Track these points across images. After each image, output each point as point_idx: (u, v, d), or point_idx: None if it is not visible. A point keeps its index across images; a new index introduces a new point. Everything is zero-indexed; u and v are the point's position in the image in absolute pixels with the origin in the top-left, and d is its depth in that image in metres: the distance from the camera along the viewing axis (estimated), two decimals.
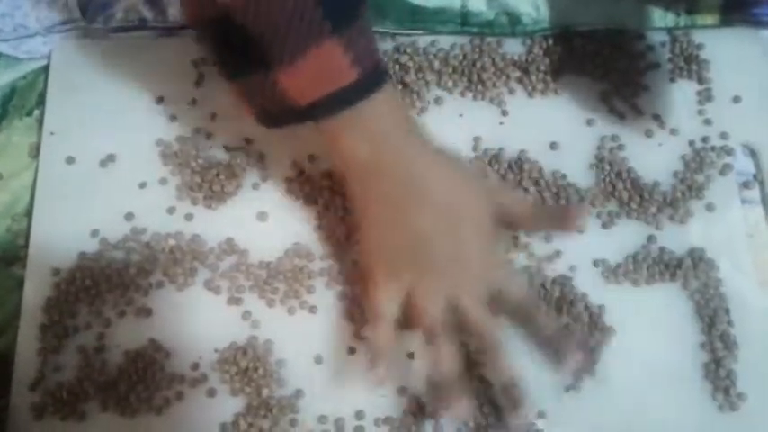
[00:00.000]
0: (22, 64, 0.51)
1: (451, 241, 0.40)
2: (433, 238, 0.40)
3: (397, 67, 0.49)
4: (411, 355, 0.43)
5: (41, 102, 0.50)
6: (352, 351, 0.44)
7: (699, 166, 0.47)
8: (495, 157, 0.48)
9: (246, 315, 0.44)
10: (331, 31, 0.36)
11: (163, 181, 0.48)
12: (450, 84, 0.49)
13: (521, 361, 0.41)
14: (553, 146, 0.48)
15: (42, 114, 0.49)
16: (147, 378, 0.43)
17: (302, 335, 0.44)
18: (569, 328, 0.44)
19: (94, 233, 0.46)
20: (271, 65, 0.36)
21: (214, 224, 0.47)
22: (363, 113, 0.39)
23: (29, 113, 0.50)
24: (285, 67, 0.36)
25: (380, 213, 0.41)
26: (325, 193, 0.47)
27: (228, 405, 0.43)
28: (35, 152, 0.49)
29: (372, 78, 0.38)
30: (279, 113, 0.40)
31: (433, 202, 0.40)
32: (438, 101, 0.49)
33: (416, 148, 0.41)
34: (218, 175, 0.47)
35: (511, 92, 0.49)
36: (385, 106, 0.39)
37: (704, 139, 0.48)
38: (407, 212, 0.40)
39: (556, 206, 0.46)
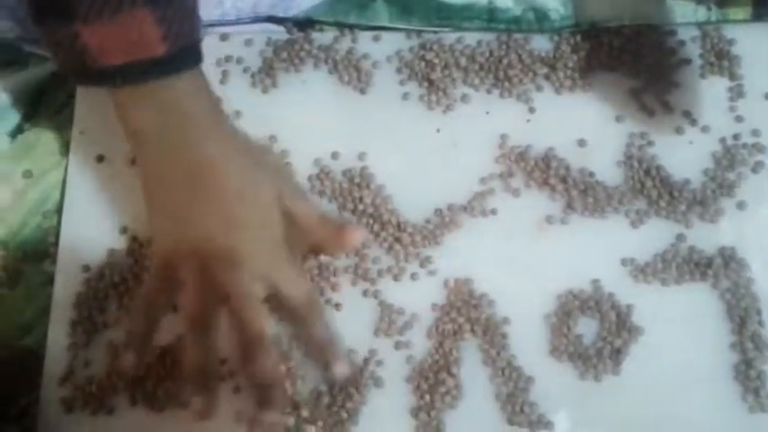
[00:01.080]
0: (51, 63, 0.51)
1: (231, 236, 0.39)
2: (214, 234, 0.39)
3: (423, 64, 0.49)
4: None
5: (71, 100, 0.50)
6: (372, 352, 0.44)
7: (730, 163, 0.47)
8: (521, 155, 0.47)
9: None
10: (146, 2, 0.36)
11: None
12: (476, 81, 0.49)
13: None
14: (581, 143, 0.47)
15: (72, 113, 0.50)
16: (175, 373, 0.43)
17: None
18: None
19: (124, 230, 0.47)
20: (76, 17, 0.36)
21: None
22: (162, 90, 0.38)
23: (58, 112, 0.50)
24: (92, 23, 0.36)
25: (166, 200, 0.40)
26: (345, 190, 0.47)
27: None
28: (65, 150, 0.49)
29: (180, 58, 0.38)
30: (78, 70, 0.39)
31: (220, 196, 0.39)
32: (464, 98, 0.49)
33: (212, 139, 0.40)
34: None
35: (538, 89, 0.49)
36: (188, 89, 0.39)
37: (735, 137, 0.47)
38: (191, 204, 0.39)
39: (334, 224, 0.43)
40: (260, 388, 0.39)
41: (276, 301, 0.40)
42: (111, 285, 0.46)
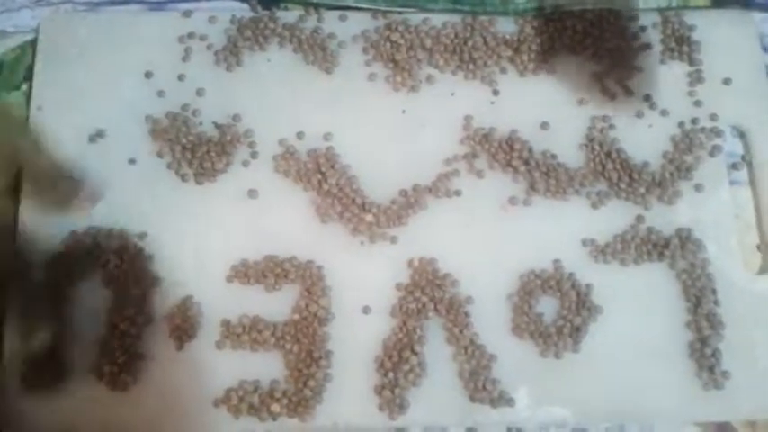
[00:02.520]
0: (9, 38, 0.50)
1: None
2: None
3: (389, 44, 0.49)
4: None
5: (29, 76, 0.49)
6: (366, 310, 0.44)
7: (688, 147, 0.48)
8: (485, 137, 0.48)
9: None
10: None
11: (152, 157, 0.47)
12: (441, 62, 0.49)
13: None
14: (544, 125, 0.48)
15: (30, 88, 0.49)
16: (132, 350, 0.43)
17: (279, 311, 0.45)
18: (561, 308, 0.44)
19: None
20: None
21: (204, 201, 0.47)
22: None
23: (17, 88, 0.49)
24: None
25: None
26: (311, 171, 0.47)
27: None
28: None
29: None
30: None
31: None
32: (429, 79, 0.49)
33: None
34: (208, 152, 0.47)
35: (502, 71, 0.49)
36: None
37: (694, 121, 0.48)
38: None
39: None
40: None
41: None
42: (72, 264, 0.45)
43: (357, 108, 0.49)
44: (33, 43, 0.50)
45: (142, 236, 0.46)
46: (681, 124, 0.48)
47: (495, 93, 0.49)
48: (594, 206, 0.46)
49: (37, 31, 0.50)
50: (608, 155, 0.47)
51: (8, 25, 0.50)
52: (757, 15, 0.51)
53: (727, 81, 0.49)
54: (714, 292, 0.45)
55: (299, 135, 0.48)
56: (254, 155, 0.48)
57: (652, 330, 0.44)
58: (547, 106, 0.48)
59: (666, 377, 0.43)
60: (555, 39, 0.49)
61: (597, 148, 0.47)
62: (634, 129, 0.48)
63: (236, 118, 0.48)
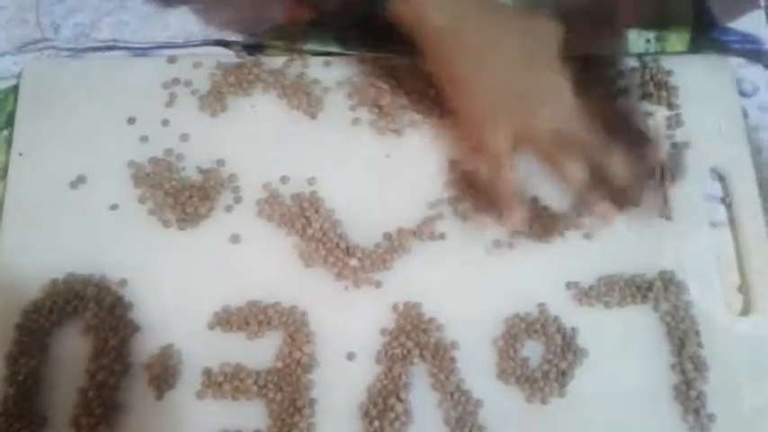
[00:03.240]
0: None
1: (539, 81, 0.44)
2: (522, 83, 0.44)
3: (373, 90, 0.50)
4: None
5: (10, 122, 0.49)
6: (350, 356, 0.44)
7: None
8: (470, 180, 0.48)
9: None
10: None
11: (134, 203, 0.47)
12: (425, 108, 0.50)
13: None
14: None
15: (11, 134, 0.49)
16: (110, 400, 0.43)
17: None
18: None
19: (64, 257, 0.46)
20: None
21: (187, 247, 0.46)
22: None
23: None
24: None
25: (471, 76, 0.44)
26: (294, 215, 0.47)
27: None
28: (3, 172, 0.48)
29: None
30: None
31: (514, 53, 0.44)
32: (413, 124, 0.50)
33: (487, 11, 0.45)
34: (191, 197, 0.47)
35: None
36: None
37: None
38: (495, 69, 0.44)
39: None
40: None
41: None
42: (49, 318, 0.44)
43: (341, 152, 0.49)
44: (15, 89, 0.50)
45: (122, 283, 0.45)
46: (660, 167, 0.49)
47: None
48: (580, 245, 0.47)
49: (19, 77, 0.50)
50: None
51: None
52: (734, 60, 0.52)
53: (705, 124, 0.50)
54: (698, 333, 0.45)
55: (283, 179, 0.48)
56: (237, 199, 0.48)
57: (637, 373, 0.44)
58: None
59: (653, 420, 0.43)
60: None
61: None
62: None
63: (219, 163, 0.48)
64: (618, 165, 0.43)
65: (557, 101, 0.44)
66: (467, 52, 0.44)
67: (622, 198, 0.44)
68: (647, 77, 0.51)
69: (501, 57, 0.44)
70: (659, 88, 0.50)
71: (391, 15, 0.44)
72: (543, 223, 0.47)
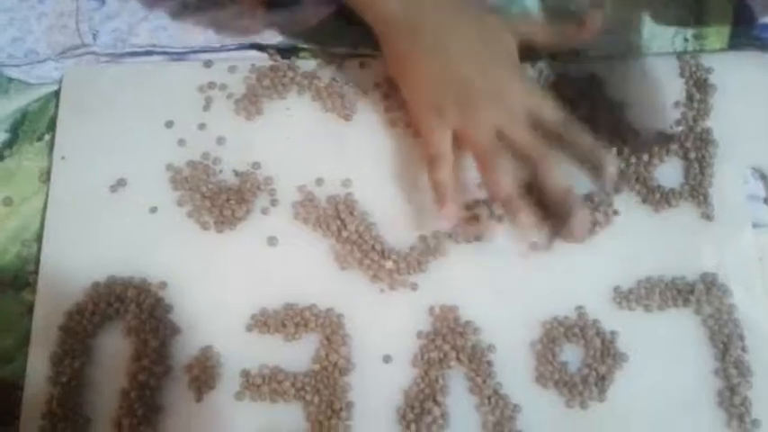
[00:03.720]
0: (32, 89, 0.51)
1: (489, 77, 0.44)
2: (471, 75, 0.44)
3: None
4: None
5: (52, 127, 0.50)
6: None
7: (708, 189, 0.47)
8: None
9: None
10: None
11: (173, 206, 0.48)
12: None
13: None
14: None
15: (53, 139, 0.49)
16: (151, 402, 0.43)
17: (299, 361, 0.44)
18: None
19: (106, 260, 0.46)
20: None
21: (224, 249, 0.47)
22: None
23: (39, 138, 0.50)
24: None
25: (420, 63, 0.44)
26: (330, 217, 0.47)
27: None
28: (45, 177, 0.48)
29: None
30: None
31: (467, 44, 0.44)
32: None
33: (442, 3, 0.45)
34: (228, 200, 0.47)
35: None
36: None
37: (714, 163, 0.48)
38: (445, 57, 0.44)
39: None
40: (559, 198, 0.43)
41: (535, 127, 0.44)
42: (92, 320, 0.45)
43: (376, 154, 0.49)
44: (56, 94, 0.51)
45: (162, 285, 0.46)
46: (702, 166, 0.48)
47: None
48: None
49: (60, 83, 0.51)
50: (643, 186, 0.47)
51: (32, 77, 0.51)
52: None
53: (745, 122, 0.49)
54: (741, 338, 0.44)
55: (318, 182, 0.48)
56: (273, 202, 0.48)
57: (679, 378, 0.43)
58: None
59: (695, 427, 0.42)
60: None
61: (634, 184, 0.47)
62: (656, 169, 0.48)
63: (255, 165, 0.48)
64: (554, 177, 0.42)
65: (504, 100, 0.43)
66: (418, 40, 0.44)
67: (556, 213, 0.43)
68: (687, 75, 0.50)
69: (453, 48, 0.44)
70: (699, 86, 0.50)
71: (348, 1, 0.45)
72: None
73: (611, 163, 0.43)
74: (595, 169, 0.43)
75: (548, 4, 0.51)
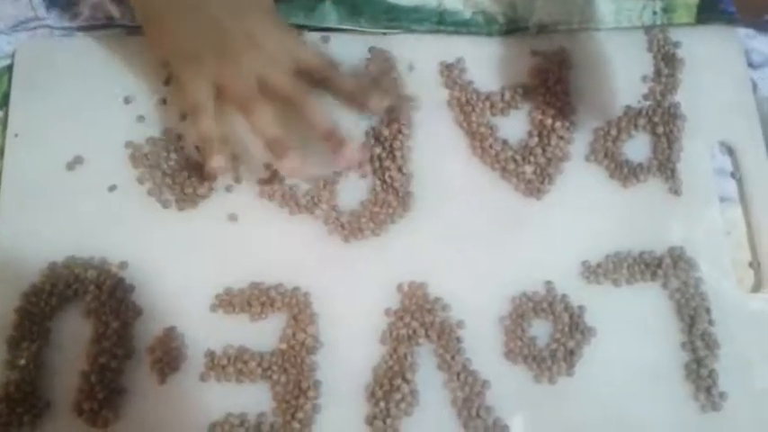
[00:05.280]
0: None
1: (246, 26, 0.43)
2: (228, 25, 0.43)
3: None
4: None
5: (5, 102, 0.48)
6: None
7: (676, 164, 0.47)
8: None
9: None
10: None
11: (133, 184, 0.46)
12: None
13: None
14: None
15: (6, 115, 0.48)
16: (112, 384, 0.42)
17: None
18: None
19: (63, 240, 0.45)
20: None
21: (187, 228, 0.46)
22: None
23: None
24: None
25: (176, 16, 0.44)
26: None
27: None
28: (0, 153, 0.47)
29: None
30: None
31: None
32: None
33: None
34: (189, 177, 0.46)
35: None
36: None
37: (682, 137, 0.48)
38: (201, 9, 0.43)
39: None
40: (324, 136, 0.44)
41: (300, 74, 0.44)
42: (49, 302, 0.44)
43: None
44: (9, 69, 0.49)
45: (123, 265, 0.45)
46: (669, 141, 0.48)
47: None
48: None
49: (13, 57, 0.49)
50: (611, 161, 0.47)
51: None
52: (742, 31, 0.51)
53: (713, 97, 0.49)
54: (708, 311, 0.44)
55: None
56: (237, 179, 0.47)
57: (647, 352, 0.44)
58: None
59: (663, 399, 0.43)
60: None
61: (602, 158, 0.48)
62: (624, 144, 0.48)
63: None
64: (319, 117, 0.43)
65: (263, 48, 0.43)
66: None
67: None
68: (655, 49, 0.50)
69: (209, 1, 0.43)
70: (667, 60, 0.49)
71: None
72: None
73: (378, 99, 0.45)
74: (362, 105, 0.45)
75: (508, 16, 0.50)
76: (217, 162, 0.43)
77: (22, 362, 0.42)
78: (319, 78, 0.44)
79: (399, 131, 0.47)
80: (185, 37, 0.44)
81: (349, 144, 0.44)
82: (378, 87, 0.46)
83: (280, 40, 0.44)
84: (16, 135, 0.47)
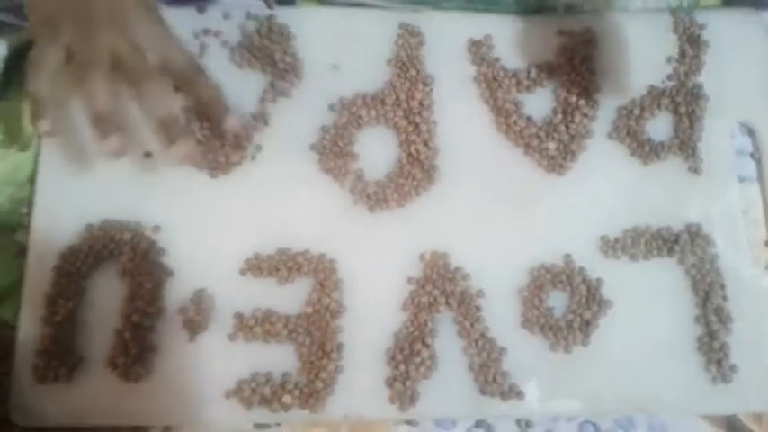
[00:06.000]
0: (25, 33, 0.50)
1: (114, 4, 0.43)
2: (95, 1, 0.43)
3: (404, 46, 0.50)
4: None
5: None
6: None
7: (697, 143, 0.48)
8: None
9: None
10: None
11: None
12: None
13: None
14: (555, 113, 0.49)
15: None
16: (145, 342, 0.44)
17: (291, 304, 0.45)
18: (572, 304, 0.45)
19: (100, 203, 0.47)
20: None
21: (218, 194, 0.47)
22: None
23: None
24: None
25: None
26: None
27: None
28: None
29: None
30: None
31: None
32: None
33: None
34: (222, 145, 0.48)
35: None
36: None
37: (704, 117, 0.49)
38: None
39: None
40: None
41: (164, 70, 0.43)
42: (85, 262, 0.45)
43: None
44: None
45: (156, 229, 0.46)
46: (691, 120, 0.48)
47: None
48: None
49: None
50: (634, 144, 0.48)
51: (23, 19, 0.51)
52: (766, 14, 0.51)
53: (736, 78, 0.50)
54: (723, 287, 0.45)
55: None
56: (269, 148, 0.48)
57: (661, 324, 0.45)
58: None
59: (675, 370, 0.44)
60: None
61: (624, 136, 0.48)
62: (647, 122, 0.49)
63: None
64: (158, 104, 0.42)
65: (123, 27, 0.42)
66: None
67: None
68: (681, 31, 0.50)
69: None
70: (692, 42, 0.50)
71: None
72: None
73: (231, 120, 0.46)
74: (218, 121, 0.46)
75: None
76: (43, 126, 0.42)
77: (59, 318, 0.44)
78: (182, 80, 0.44)
79: (422, 105, 0.48)
80: (42, 9, 0.43)
81: (183, 138, 0.43)
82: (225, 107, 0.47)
83: (148, 29, 0.43)
84: None
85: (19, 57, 0.50)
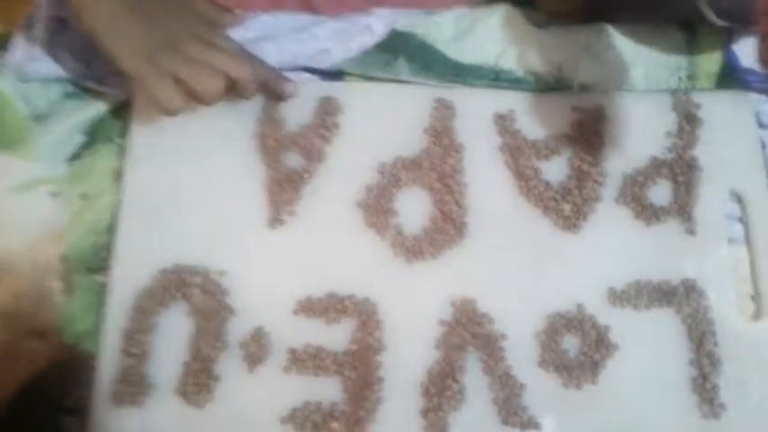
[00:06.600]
0: (109, 97, 0.55)
1: (183, 21, 0.49)
2: (171, 22, 0.49)
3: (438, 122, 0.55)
4: None
5: (125, 132, 0.54)
6: None
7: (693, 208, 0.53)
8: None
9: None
10: None
11: (246, 207, 0.53)
12: None
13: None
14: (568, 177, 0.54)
15: (125, 142, 0.54)
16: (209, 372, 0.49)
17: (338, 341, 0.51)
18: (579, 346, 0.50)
19: (173, 249, 0.52)
20: None
21: (275, 243, 0.52)
22: None
23: (112, 141, 0.55)
24: None
25: (122, 19, 0.48)
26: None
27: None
28: (116, 176, 0.53)
29: None
30: None
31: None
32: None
33: None
34: (280, 192, 0.53)
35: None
36: None
37: (699, 186, 0.54)
38: (144, 10, 0.48)
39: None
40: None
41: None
42: (160, 301, 0.51)
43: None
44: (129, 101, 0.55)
45: (221, 273, 0.52)
46: (687, 189, 0.54)
47: None
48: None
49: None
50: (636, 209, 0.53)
51: (104, 86, 0.55)
52: (754, 96, 0.56)
53: (727, 152, 0.54)
54: (714, 334, 0.50)
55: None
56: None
57: (661, 366, 0.50)
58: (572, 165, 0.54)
59: (672, 407, 0.49)
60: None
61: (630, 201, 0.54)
62: (650, 189, 0.54)
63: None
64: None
65: (200, 35, 0.49)
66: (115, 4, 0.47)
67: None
68: (680, 110, 0.55)
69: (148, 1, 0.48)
70: (689, 119, 0.55)
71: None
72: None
73: (288, 87, 0.53)
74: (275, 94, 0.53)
75: (555, 76, 0.56)
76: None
77: (135, 351, 0.50)
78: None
79: (454, 169, 0.54)
80: (139, 42, 0.48)
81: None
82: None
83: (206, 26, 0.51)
84: (136, 160, 0.53)
85: (100, 120, 0.55)
